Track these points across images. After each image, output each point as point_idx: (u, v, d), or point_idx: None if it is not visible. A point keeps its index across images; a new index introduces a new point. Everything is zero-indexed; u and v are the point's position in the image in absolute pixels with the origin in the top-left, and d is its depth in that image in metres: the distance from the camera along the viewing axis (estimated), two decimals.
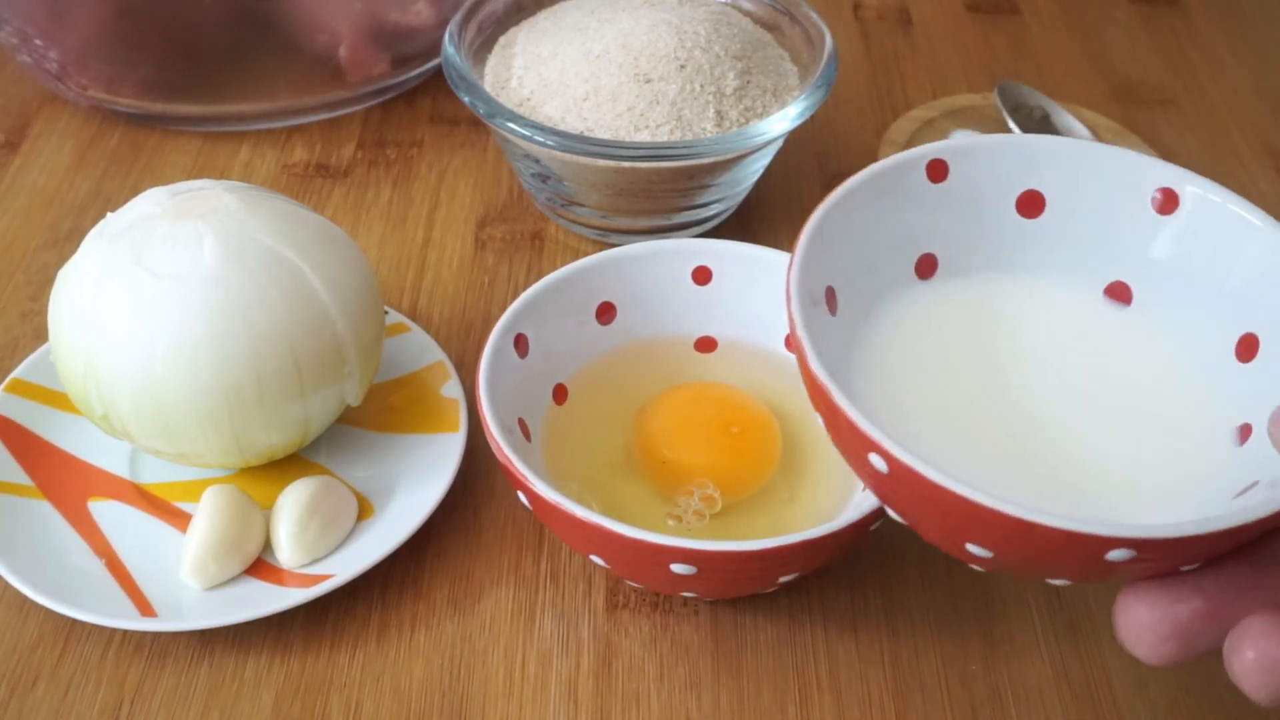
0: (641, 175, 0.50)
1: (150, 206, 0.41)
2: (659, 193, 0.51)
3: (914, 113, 0.62)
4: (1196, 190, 0.36)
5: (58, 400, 0.45)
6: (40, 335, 0.50)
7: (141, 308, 0.38)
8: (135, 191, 0.52)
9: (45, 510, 0.42)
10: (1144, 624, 0.29)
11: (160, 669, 0.40)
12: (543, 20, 0.55)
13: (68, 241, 0.55)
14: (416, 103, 0.63)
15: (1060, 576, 0.31)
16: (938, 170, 0.37)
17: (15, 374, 0.46)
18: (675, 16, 0.52)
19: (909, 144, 0.59)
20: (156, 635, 0.40)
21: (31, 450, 0.44)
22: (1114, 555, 0.28)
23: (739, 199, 0.55)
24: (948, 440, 0.34)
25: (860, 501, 0.39)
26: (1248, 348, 0.35)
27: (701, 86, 0.50)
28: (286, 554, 0.41)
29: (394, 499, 0.43)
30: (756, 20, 0.56)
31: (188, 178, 0.58)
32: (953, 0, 0.73)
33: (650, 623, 0.41)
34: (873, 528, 0.37)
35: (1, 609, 0.41)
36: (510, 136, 0.50)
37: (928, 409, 0.35)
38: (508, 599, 0.42)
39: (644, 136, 0.49)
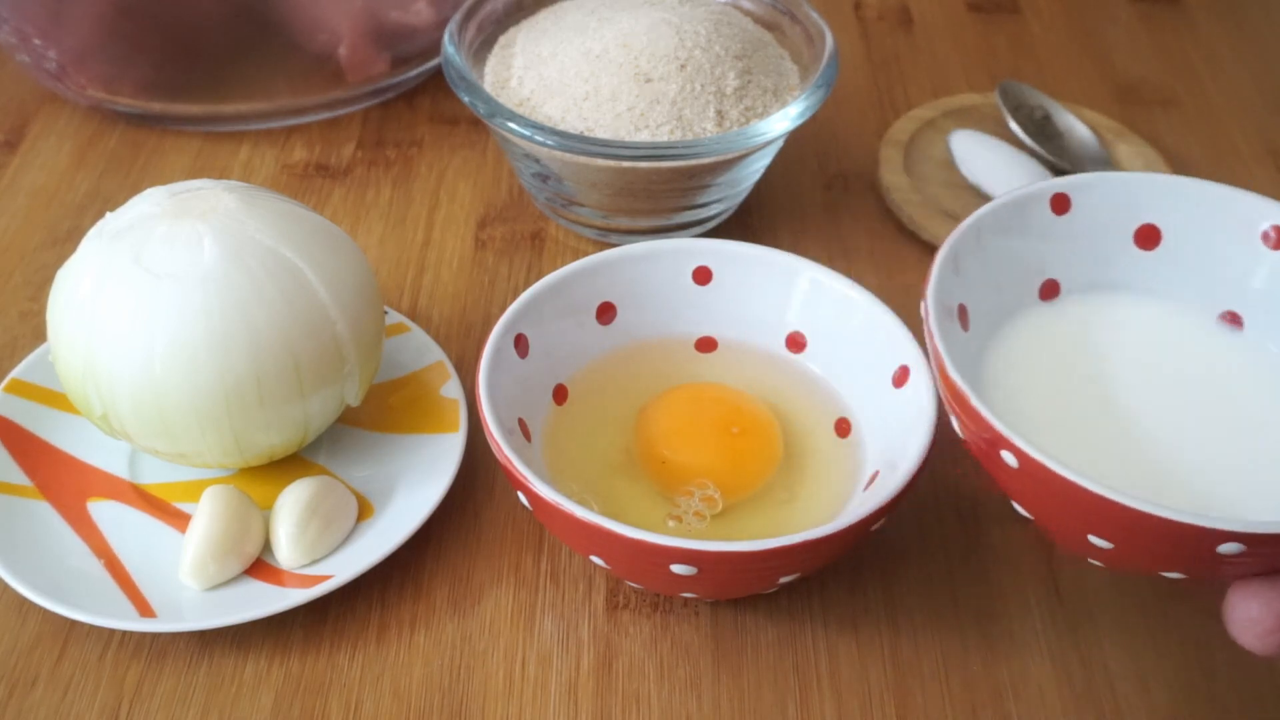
0: (641, 175, 0.50)
1: (149, 206, 0.40)
2: (659, 193, 0.51)
3: (914, 112, 0.62)
4: None
5: (57, 400, 0.45)
6: (39, 335, 0.50)
7: (141, 308, 0.38)
8: (134, 191, 0.52)
9: (44, 511, 0.42)
10: (1252, 616, 0.31)
11: (159, 670, 0.40)
12: (543, 20, 0.55)
13: (67, 241, 0.55)
14: (416, 102, 0.63)
15: (1174, 569, 0.33)
16: (1061, 203, 0.40)
17: (14, 374, 0.46)
18: (675, 16, 0.52)
19: (910, 144, 0.59)
20: (156, 636, 0.40)
21: (30, 450, 0.44)
22: (1224, 549, 0.30)
23: (739, 199, 0.55)
24: (1069, 445, 0.36)
25: (860, 502, 0.39)
26: None
27: (702, 86, 0.50)
28: (286, 554, 0.41)
29: (394, 499, 0.43)
30: (757, 20, 0.56)
31: (187, 177, 0.58)
32: (953, 0, 0.73)
33: (650, 623, 0.41)
34: (873, 528, 0.37)
35: (0, 609, 0.41)
36: (510, 136, 0.50)
37: (1051, 416, 0.38)
38: (508, 599, 0.42)
39: (644, 136, 0.49)
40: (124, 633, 0.40)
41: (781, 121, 0.49)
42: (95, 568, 0.41)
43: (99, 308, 0.39)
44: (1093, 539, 0.33)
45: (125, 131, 0.61)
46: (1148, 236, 0.41)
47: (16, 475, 0.43)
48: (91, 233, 0.41)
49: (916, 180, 0.57)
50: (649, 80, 0.50)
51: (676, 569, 0.36)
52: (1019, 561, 0.43)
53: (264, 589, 0.40)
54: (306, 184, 0.58)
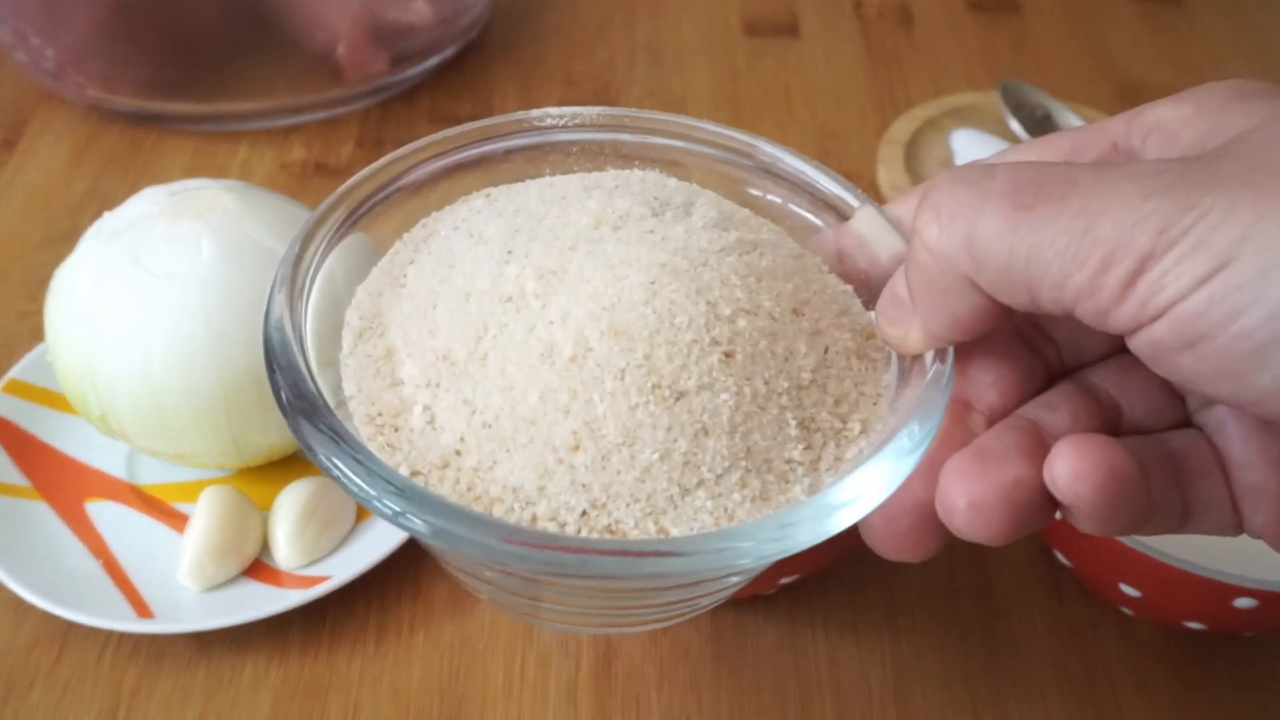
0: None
1: (148, 206, 0.40)
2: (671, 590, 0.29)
3: (915, 111, 0.61)
4: None
5: (55, 401, 0.45)
6: (37, 335, 0.49)
7: (139, 308, 0.38)
8: (133, 191, 0.52)
9: (42, 511, 0.42)
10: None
11: (157, 671, 0.39)
12: (414, 276, 0.29)
13: (65, 241, 0.55)
14: (415, 101, 0.63)
15: (1196, 620, 0.38)
16: None
17: (12, 374, 0.45)
18: (678, 257, 0.27)
19: (910, 143, 0.59)
20: (154, 637, 0.40)
21: (28, 451, 0.44)
22: (1240, 603, 0.35)
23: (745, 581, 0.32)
24: None
25: None
26: None
27: (768, 385, 0.26)
28: (284, 555, 0.41)
29: None
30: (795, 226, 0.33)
31: (185, 177, 0.58)
32: None
33: None
34: None
35: None
36: (464, 550, 0.24)
37: None
38: None
39: (704, 501, 0.26)
40: (122, 634, 0.40)
41: (879, 486, 0.25)
42: (93, 568, 0.40)
43: (97, 308, 0.39)
44: (1124, 587, 0.38)
45: (123, 131, 0.61)
46: None
47: (14, 475, 0.43)
48: (89, 232, 0.41)
49: (917, 180, 0.57)
50: (679, 394, 0.25)
51: None
52: (1019, 563, 0.43)
53: (262, 590, 0.40)
54: (305, 183, 0.58)
